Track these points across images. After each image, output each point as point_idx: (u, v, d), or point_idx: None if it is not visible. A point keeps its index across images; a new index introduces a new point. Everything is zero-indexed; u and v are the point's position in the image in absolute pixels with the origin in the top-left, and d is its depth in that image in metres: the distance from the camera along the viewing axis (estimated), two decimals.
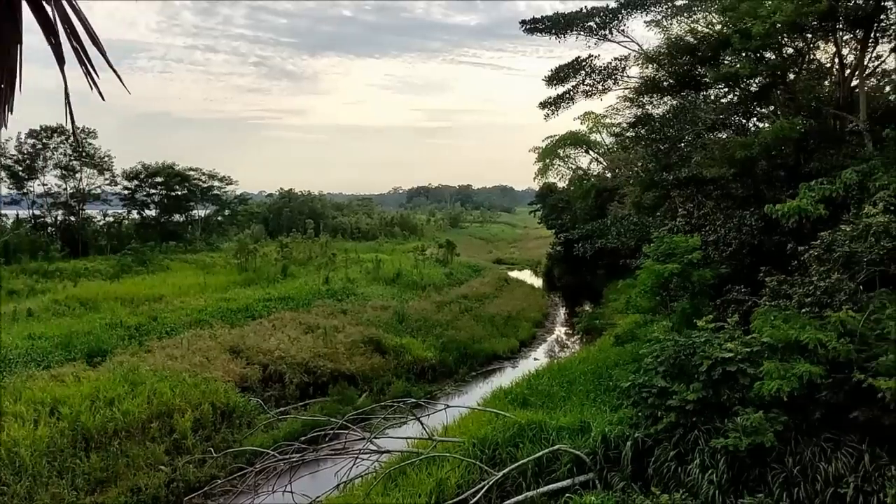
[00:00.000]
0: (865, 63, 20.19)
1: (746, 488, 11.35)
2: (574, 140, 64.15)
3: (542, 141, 66.88)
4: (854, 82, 20.47)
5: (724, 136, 23.74)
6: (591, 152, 64.90)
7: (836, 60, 21.71)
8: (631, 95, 32.38)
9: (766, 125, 21.46)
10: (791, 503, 10.71)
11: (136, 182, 56.56)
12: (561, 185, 66.63)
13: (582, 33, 29.09)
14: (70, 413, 17.14)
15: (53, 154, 51.24)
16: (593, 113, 61.43)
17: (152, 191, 57.26)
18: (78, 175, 52.33)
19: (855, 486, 10.51)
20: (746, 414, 11.39)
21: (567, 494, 12.59)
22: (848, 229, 13.74)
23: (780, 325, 12.23)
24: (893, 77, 22.98)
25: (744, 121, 23.85)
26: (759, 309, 14.26)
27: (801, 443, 11.31)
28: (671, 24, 26.90)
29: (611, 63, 30.05)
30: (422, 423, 15.03)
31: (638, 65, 29.39)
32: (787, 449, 11.30)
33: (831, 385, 11.26)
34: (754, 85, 21.92)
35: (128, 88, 4.26)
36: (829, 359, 11.43)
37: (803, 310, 13.18)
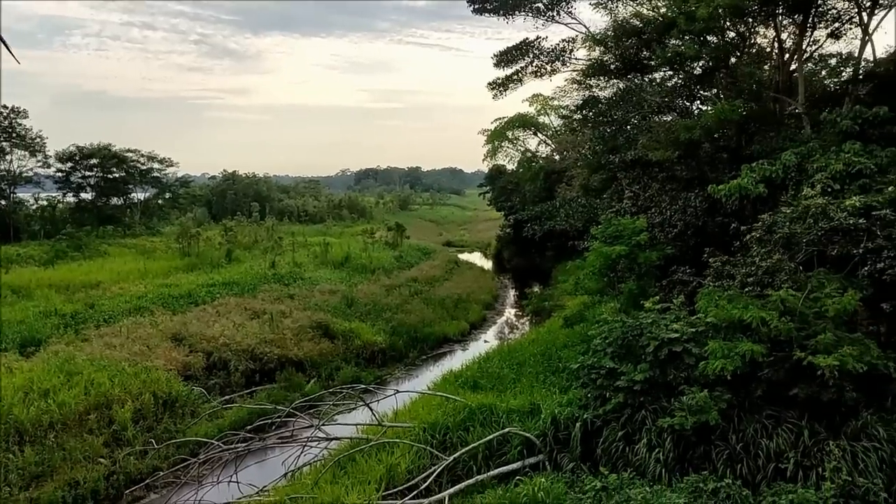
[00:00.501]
0: (804, 47, 20.60)
1: (692, 466, 11.55)
2: (523, 122, 64.43)
3: (492, 123, 67.22)
4: (793, 66, 20.90)
5: (668, 119, 24.03)
6: (539, 134, 65.29)
7: (776, 45, 22.12)
8: (578, 78, 32.52)
9: (709, 108, 21.76)
10: (734, 479, 10.92)
11: (70, 164, 54.41)
12: (510, 167, 66.99)
13: (530, 14, 28.99)
14: (2, 406, 16.45)
15: None
16: (541, 95, 61.83)
17: (88, 173, 55.14)
18: (8, 157, 50.11)
19: (795, 461, 10.79)
20: (692, 393, 11.58)
21: (517, 477, 12.63)
22: (788, 211, 14.04)
23: (724, 305, 12.43)
24: (830, 61, 23.53)
25: (688, 104, 24.16)
26: (704, 289, 14.51)
27: (743, 420, 11.55)
28: (618, 7, 27.02)
29: (559, 45, 30.08)
30: (371, 409, 14.88)
31: (585, 47, 29.51)
32: (730, 426, 11.53)
33: (772, 363, 11.52)
34: (698, 68, 22.19)
35: (17, 59, 3.91)
36: (770, 337, 11.69)
37: (746, 289, 13.44)
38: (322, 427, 14.66)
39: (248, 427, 16.14)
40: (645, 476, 11.66)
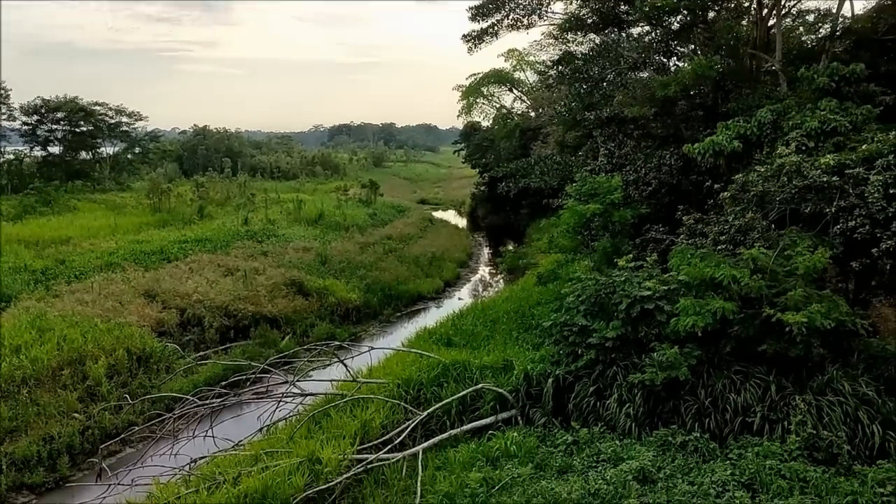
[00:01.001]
0: (782, 2, 20.51)
1: (661, 420, 11.80)
2: (498, 78, 63.79)
3: (467, 79, 66.35)
4: (771, 21, 20.81)
5: (645, 76, 23.91)
6: (514, 91, 64.74)
7: None
8: (555, 32, 32.16)
9: (686, 64, 21.67)
10: (702, 433, 11.18)
11: (36, 117, 52.94)
12: (485, 124, 66.49)
13: None
14: None
15: None
16: (517, 50, 61.14)
17: (55, 126, 53.74)
18: None
19: (762, 415, 11.06)
20: (662, 349, 11.76)
21: (490, 431, 12.81)
22: (762, 170, 14.13)
23: (696, 263, 12.57)
24: (808, 17, 23.50)
25: (665, 60, 24.02)
26: (677, 247, 14.64)
27: (712, 375, 11.78)
28: None
29: None
30: (346, 366, 14.90)
31: (563, 0, 29.11)
32: (699, 382, 11.76)
33: (742, 320, 11.71)
34: (676, 23, 22.01)
35: None
36: (741, 295, 11.86)
37: (718, 248, 13.59)
38: (297, 383, 14.66)
39: (224, 383, 16.06)
40: (615, 430, 11.89)
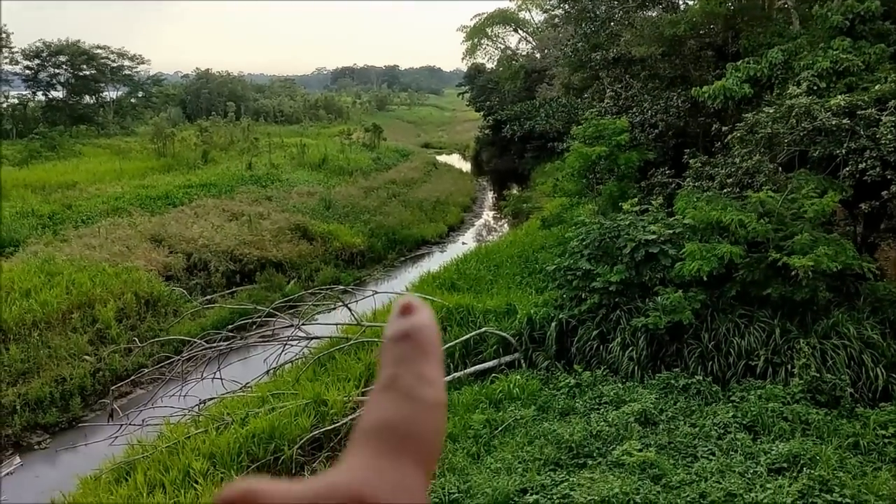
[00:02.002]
0: None
1: (664, 364, 11.90)
2: (503, 18, 62.36)
3: (471, 19, 64.93)
4: None
5: (653, 15, 23.32)
6: (520, 31, 63.39)
7: None
8: None
9: (695, 2, 21.09)
10: (705, 376, 11.28)
11: (38, 61, 52.24)
12: (490, 65, 65.26)
13: None
14: None
15: None
16: None
17: (57, 70, 53.08)
18: None
19: (765, 358, 11.13)
20: (666, 293, 11.77)
21: (493, 374, 12.96)
22: (771, 111, 13.86)
23: (702, 207, 12.48)
24: None
25: None
26: (683, 190, 14.51)
27: (716, 319, 11.82)
28: None
29: None
30: (350, 310, 15.00)
31: None
32: (703, 326, 11.81)
33: (748, 264, 11.67)
34: None
35: None
36: (747, 239, 11.79)
37: (725, 190, 13.45)
38: (302, 326, 14.81)
39: (230, 326, 16.26)
40: (618, 374, 12.01)
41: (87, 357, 16.38)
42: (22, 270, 18.72)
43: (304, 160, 39.84)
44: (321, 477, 0.40)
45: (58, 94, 53.77)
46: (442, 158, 58.67)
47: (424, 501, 0.40)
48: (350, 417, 11.77)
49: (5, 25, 49.50)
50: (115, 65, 55.58)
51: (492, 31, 64.42)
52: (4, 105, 50.68)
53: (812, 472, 8.52)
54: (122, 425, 12.68)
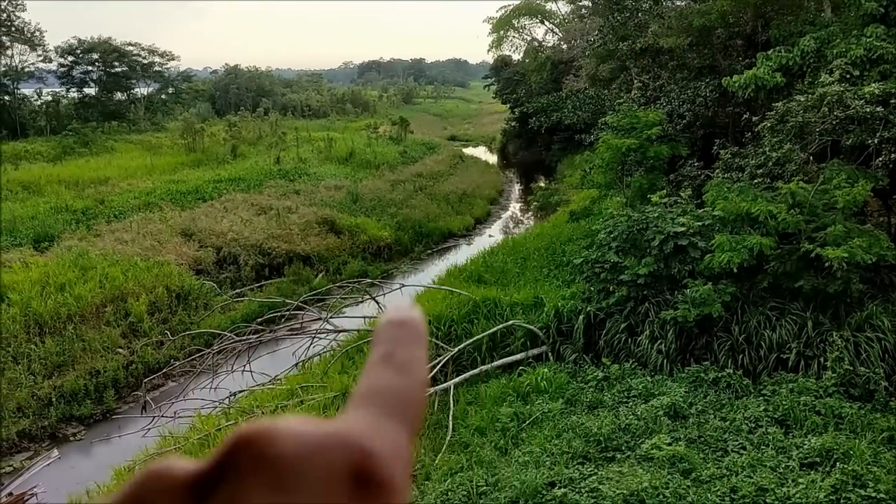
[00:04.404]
0: None
1: (693, 357, 11.79)
2: (529, 10, 61.91)
3: (497, 11, 64.50)
4: None
5: (681, 4, 23.03)
6: (546, 23, 62.92)
7: None
8: None
9: None
10: (735, 369, 11.16)
11: (71, 58, 53.19)
12: (516, 57, 64.89)
13: None
14: (20, 299, 16.86)
15: None
16: None
17: (89, 68, 54.00)
18: (9, 52, 48.90)
19: (797, 351, 10.97)
20: (696, 286, 11.65)
21: (520, 367, 12.95)
22: (802, 99, 13.62)
23: (733, 198, 12.31)
24: None
25: None
26: (712, 181, 14.33)
27: (747, 312, 11.68)
28: None
29: None
30: (377, 303, 15.10)
31: None
32: (733, 318, 11.67)
33: (779, 255, 11.51)
34: None
35: None
36: (778, 230, 11.63)
37: (755, 181, 13.26)
38: (330, 319, 14.93)
39: (259, 319, 16.47)
40: (646, 367, 11.93)
41: (120, 350, 16.68)
42: (57, 265, 19.10)
43: (331, 154, 40.06)
44: (327, 422, 0.44)
45: (90, 90, 54.69)
46: (468, 151, 58.56)
47: (411, 464, 0.44)
48: None
49: (39, 24, 50.41)
50: (145, 62, 56.38)
51: (518, 23, 63.97)
52: (38, 102, 51.69)
53: (845, 466, 8.39)
54: (154, 417, 12.91)
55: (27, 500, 11.64)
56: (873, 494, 8.00)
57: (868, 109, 12.42)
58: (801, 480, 8.35)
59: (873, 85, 12.78)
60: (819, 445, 8.96)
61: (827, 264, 10.70)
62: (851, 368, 10.37)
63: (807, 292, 11.29)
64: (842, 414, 9.74)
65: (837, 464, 8.56)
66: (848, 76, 13.58)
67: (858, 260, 10.56)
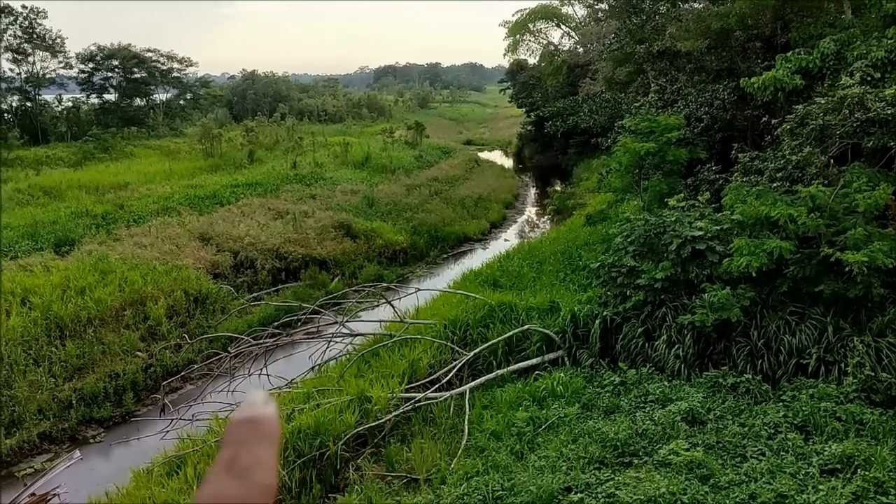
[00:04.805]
0: None
1: (711, 362, 11.69)
2: (545, 13, 61.89)
3: (513, 15, 64.49)
4: None
5: (699, 7, 22.92)
6: (562, 26, 62.84)
7: None
8: None
9: None
10: (754, 374, 11.04)
11: (91, 65, 53.88)
12: (532, 61, 64.86)
13: None
14: (41, 303, 17.02)
15: (3, 36, 48.26)
16: None
17: (109, 74, 54.68)
18: (30, 58, 49.64)
19: (817, 356, 10.84)
20: (714, 290, 11.55)
21: (536, 372, 12.91)
22: (822, 101, 13.49)
23: (752, 202, 12.21)
24: None
25: None
26: (731, 185, 14.23)
27: (766, 317, 11.56)
28: None
29: None
30: (393, 307, 15.11)
31: None
32: (752, 323, 11.56)
33: (799, 260, 11.39)
34: None
35: None
36: (798, 234, 11.51)
37: (774, 185, 13.15)
38: (346, 323, 14.96)
39: (276, 323, 16.54)
40: (664, 372, 11.84)
41: (139, 353, 16.81)
42: (77, 269, 19.28)
43: (347, 159, 40.22)
44: None
45: (110, 97, 55.37)
46: (484, 155, 58.58)
47: None
48: (394, 414, 11.84)
49: (60, 31, 51.11)
50: (164, 68, 56.98)
51: (534, 27, 63.94)
52: (59, 108, 52.39)
53: (867, 473, 8.27)
54: (172, 420, 12.98)
55: (50, 499, 11.76)
56: (895, 502, 7.88)
57: (889, 112, 12.28)
58: (821, 487, 8.24)
59: (895, 87, 12.64)
60: (840, 452, 8.84)
61: (847, 268, 10.58)
62: (873, 374, 10.23)
63: (827, 297, 11.16)
64: (863, 420, 9.61)
65: (858, 470, 8.44)
66: (869, 78, 13.44)
67: (879, 264, 10.42)
